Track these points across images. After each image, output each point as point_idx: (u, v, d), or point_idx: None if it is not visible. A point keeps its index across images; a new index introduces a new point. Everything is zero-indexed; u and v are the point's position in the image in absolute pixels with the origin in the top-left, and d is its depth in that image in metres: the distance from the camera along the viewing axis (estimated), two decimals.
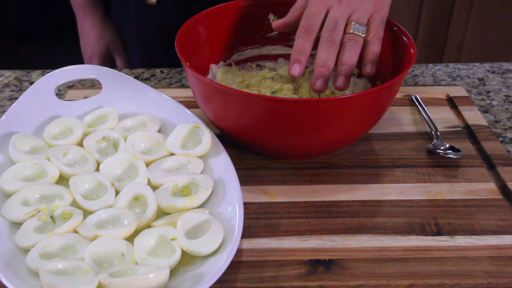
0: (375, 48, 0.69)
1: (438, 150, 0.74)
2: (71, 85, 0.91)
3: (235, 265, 0.58)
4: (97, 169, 0.68)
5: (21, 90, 0.91)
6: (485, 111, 0.87)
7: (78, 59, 1.16)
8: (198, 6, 0.89)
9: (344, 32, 0.68)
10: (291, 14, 0.73)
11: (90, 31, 1.11)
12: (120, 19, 1.11)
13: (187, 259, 0.58)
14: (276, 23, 0.75)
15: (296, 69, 0.68)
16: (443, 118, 0.82)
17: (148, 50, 1.09)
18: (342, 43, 0.68)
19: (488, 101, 0.89)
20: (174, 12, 1.00)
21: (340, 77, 0.68)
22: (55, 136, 0.73)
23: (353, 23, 0.68)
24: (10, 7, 2.70)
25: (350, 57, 0.67)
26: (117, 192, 0.65)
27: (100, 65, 1.12)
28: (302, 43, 0.68)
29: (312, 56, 0.84)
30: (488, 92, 0.92)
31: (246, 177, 0.69)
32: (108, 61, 1.15)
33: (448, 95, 0.87)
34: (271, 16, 0.83)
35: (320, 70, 0.67)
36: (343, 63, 0.67)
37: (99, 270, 0.55)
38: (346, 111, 0.65)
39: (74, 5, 1.11)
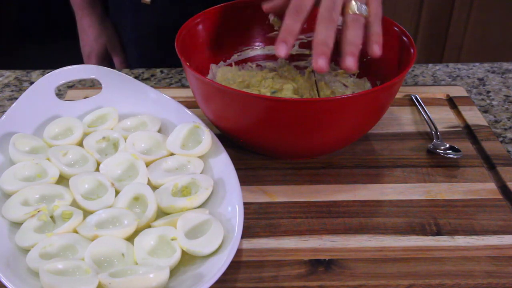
0: (377, 28, 0.66)
1: (438, 150, 0.74)
2: (71, 85, 0.91)
3: (235, 265, 0.58)
4: (97, 169, 0.68)
5: (21, 90, 0.91)
6: (485, 111, 0.87)
7: (78, 59, 1.17)
8: (193, 6, 0.89)
9: (344, 13, 0.65)
10: None
11: (88, 30, 1.12)
12: (118, 19, 1.12)
13: (187, 259, 0.58)
14: (265, 5, 0.71)
15: (282, 50, 0.64)
16: (443, 118, 0.82)
17: (144, 50, 1.09)
18: (345, 24, 0.65)
19: (488, 101, 0.89)
20: (169, 12, 1.00)
21: (349, 58, 0.64)
22: (55, 136, 0.73)
23: (354, 2, 0.65)
24: (11, 7, 2.71)
25: (356, 37, 0.64)
26: (117, 192, 0.64)
27: (98, 64, 1.13)
28: (291, 23, 0.64)
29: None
30: (488, 92, 0.92)
31: (246, 177, 0.69)
32: (106, 60, 1.16)
33: (448, 95, 0.87)
34: (271, 16, 0.83)
35: (322, 49, 0.63)
36: (350, 43, 0.64)
37: (99, 270, 0.55)
38: (346, 111, 0.65)
39: (73, 5, 1.12)
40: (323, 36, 0.63)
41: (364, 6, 0.66)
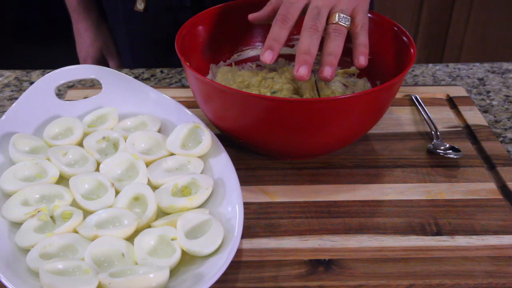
0: (364, 39, 0.68)
1: (438, 150, 0.74)
2: (71, 85, 0.91)
3: (235, 265, 0.58)
4: (97, 169, 0.68)
5: (21, 90, 0.91)
6: (485, 111, 0.87)
7: (78, 59, 1.17)
8: (186, 13, 0.89)
9: (328, 23, 0.67)
10: (266, 7, 0.72)
11: (84, 34, 1.13)
12: (113, 24, 1.12)
13: (187, 259, 0.58)
14: (251, 15, 0.73)
15: (268, 56, 0.66)
16: (443, 118, 0.82)
17: (138, 56, 1.10)
18: (326, 33, 0.67)
19: (488, 101, 0.89)
20: (162, 20, 1.00)
21: (326, 68, 0.66)
22: (55, 136, 0.73)
23: (337, 13, 0.67)
24: (10, 6, 2.70)
25: (336, 47, 0.66)
26: (117, 192, 0.65)
27: None
28: (277, 31, 0.66)
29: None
30: (488, 92, 0.92)
31: (246, 177, 0.69)
32: (102, 64, 1.16)
33: (448, 95, 0.87)
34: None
35: (304, 57, 0.65)
36: (329, 53, 0.66)
37: (99, 270, 0.55)
38: (346, 111, 0.65)
39: (69, 9, 1.12)
40: (306, 45, 0.65)
41: (346, 18, 0.67)
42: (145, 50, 1.08)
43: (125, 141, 0.71)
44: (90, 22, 1.12)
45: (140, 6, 0.98)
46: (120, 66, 1.16)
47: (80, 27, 1.13)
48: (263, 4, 0.82)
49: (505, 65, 1.00)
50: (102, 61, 1.16)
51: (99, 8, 1.12)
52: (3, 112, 0.84)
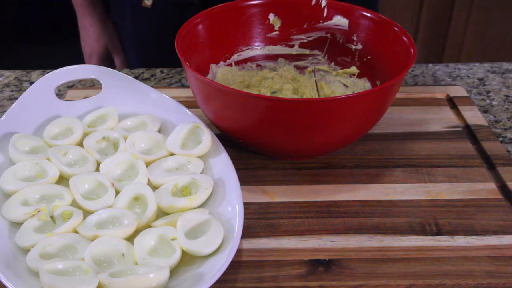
0: None
1: None
2: (71, 85, 0.91)
3: (235, 265, 0.58)
4: (97, 169, 0.68)
5: (21, 90, 0.91)
6: (485, 111, 0.87)
7: (78, 59, 1.16)
8: (192, 11, 0.89)
9: None
10: None
11: (89, 30, 1.12)
12: (118, 20, 1.12)
13: (187, 259, 0.58)
14: None
15: None
16: (443, 118, 0.82)
17: (144, 52, 1.09)
18: None
19: (488, 101, 0.89)
20: (169, 17, 1.00)
21: None
22: (55, 136, 0.73)
23: None
24: (10, 7, 2.70)
25: None
26: (117, 192, 0.65)
27: (99, 64, 1.13)
28: None
29: (313, 56, 0.84)
30: (488, 92, 0.92)
31: (246, 177, 0.69)
32: (107, 61, 1.16)
33: (448, 95, 0.87)
34: (271, 16, 0.83)
35: None
36: None
37: (99, 270, 0.55)
38: (346, 111, 0.65)
39: (74, 4, 1.12)
40: None
41: None
42: (150, 47, 1.07)
43: (125, 141, 0.71)
44: (95, 17, 1.11)
45: (148, 2, 0.98)
46: (126, 62, 1.16)
47: (85, 23, 1.12)
48: (263, 5, 0.82)
49: (505, 65, 1.00)
50: (107, 57, 1.15)
51: (104, 3, 1.12)
52: (3, 112, 0.84)
